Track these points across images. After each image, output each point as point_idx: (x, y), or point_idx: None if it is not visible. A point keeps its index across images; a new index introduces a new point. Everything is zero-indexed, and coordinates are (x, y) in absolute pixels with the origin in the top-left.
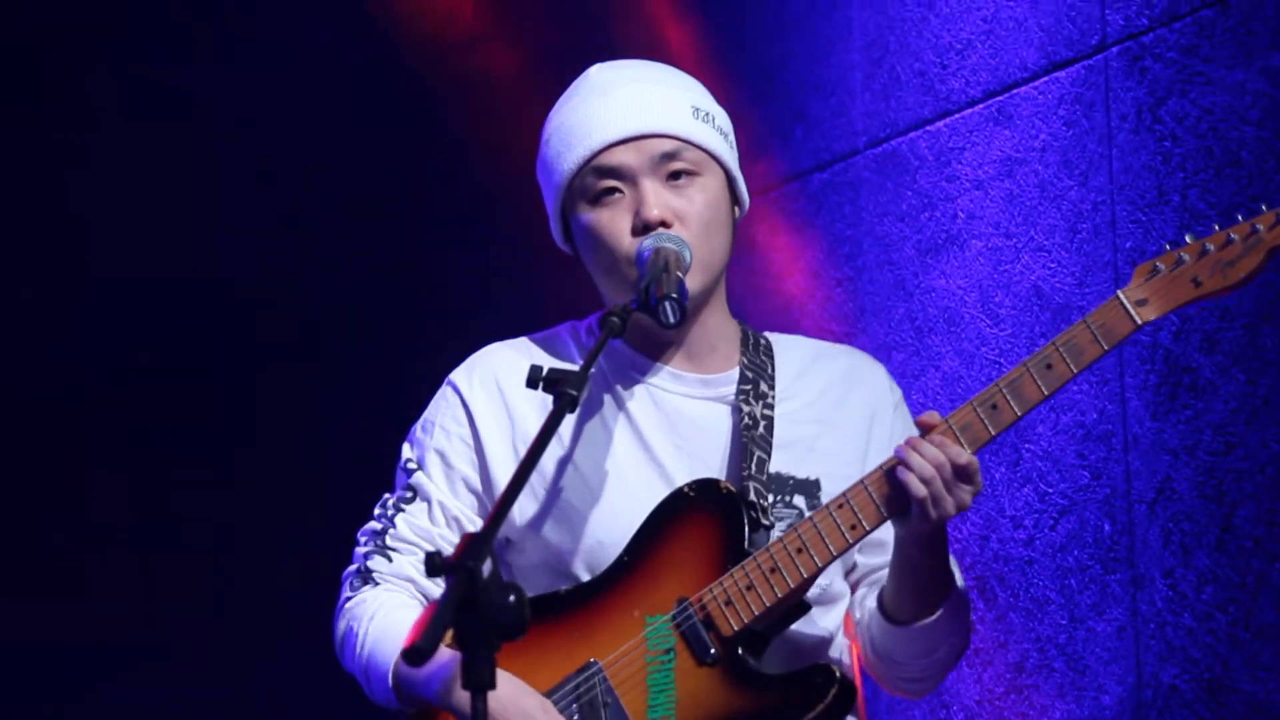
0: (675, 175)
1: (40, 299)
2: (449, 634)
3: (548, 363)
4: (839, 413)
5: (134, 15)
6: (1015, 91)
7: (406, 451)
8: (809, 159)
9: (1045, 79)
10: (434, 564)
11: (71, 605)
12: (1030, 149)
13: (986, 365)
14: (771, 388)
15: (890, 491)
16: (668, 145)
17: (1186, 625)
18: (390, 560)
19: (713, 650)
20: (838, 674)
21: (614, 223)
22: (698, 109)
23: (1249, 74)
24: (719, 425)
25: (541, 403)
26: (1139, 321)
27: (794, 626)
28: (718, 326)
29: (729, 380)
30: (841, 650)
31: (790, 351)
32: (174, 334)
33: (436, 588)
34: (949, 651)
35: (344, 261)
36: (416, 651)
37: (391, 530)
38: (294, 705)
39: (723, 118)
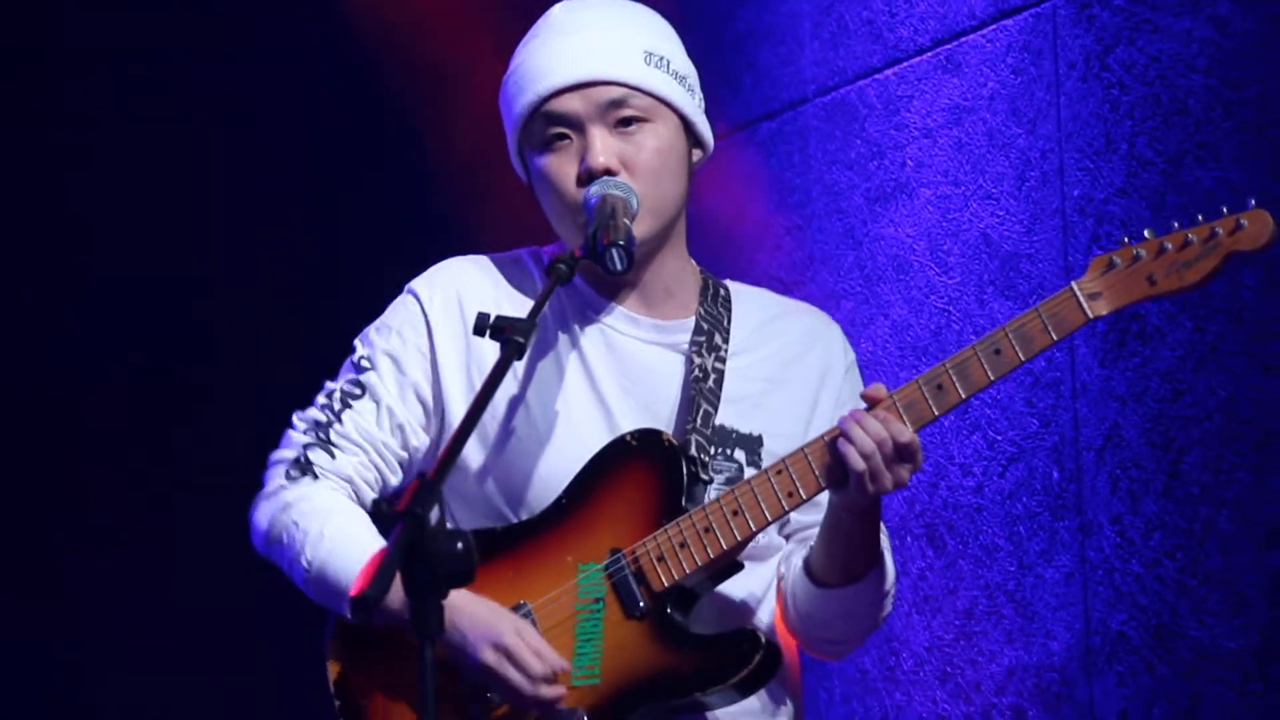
0: (624, 122)
1: (37, 299)
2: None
3: (505, 284)
4: (790, 371)
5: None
6: (963, 39)
7: (360, 348)
8: (758, 107)
9: (993, 27)
10: (381, 512)
11: (69, 605)
12: (978, 97)
13: (935, 313)
14: (725, 340)
15: (830, 462)
16: (615, 92)
17: (1134, 571)
18: (333, 457)
19: (642, 604)
20: (763, 639)
21: (561, 169)
22: (650, 53)
23: (1196, 22)
24: (669, 373)
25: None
26: (1090, 315)
27: (725, 585)
28: (675, 271)
29: (684, 329)
30: (772, 612)
31: (749, 304)
32: (171, 333)
33: (370, 492)
34: (870, 620)
35: (344, 259)
36: (364, 600)
37: (337, 425)
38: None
39: (680, 60)
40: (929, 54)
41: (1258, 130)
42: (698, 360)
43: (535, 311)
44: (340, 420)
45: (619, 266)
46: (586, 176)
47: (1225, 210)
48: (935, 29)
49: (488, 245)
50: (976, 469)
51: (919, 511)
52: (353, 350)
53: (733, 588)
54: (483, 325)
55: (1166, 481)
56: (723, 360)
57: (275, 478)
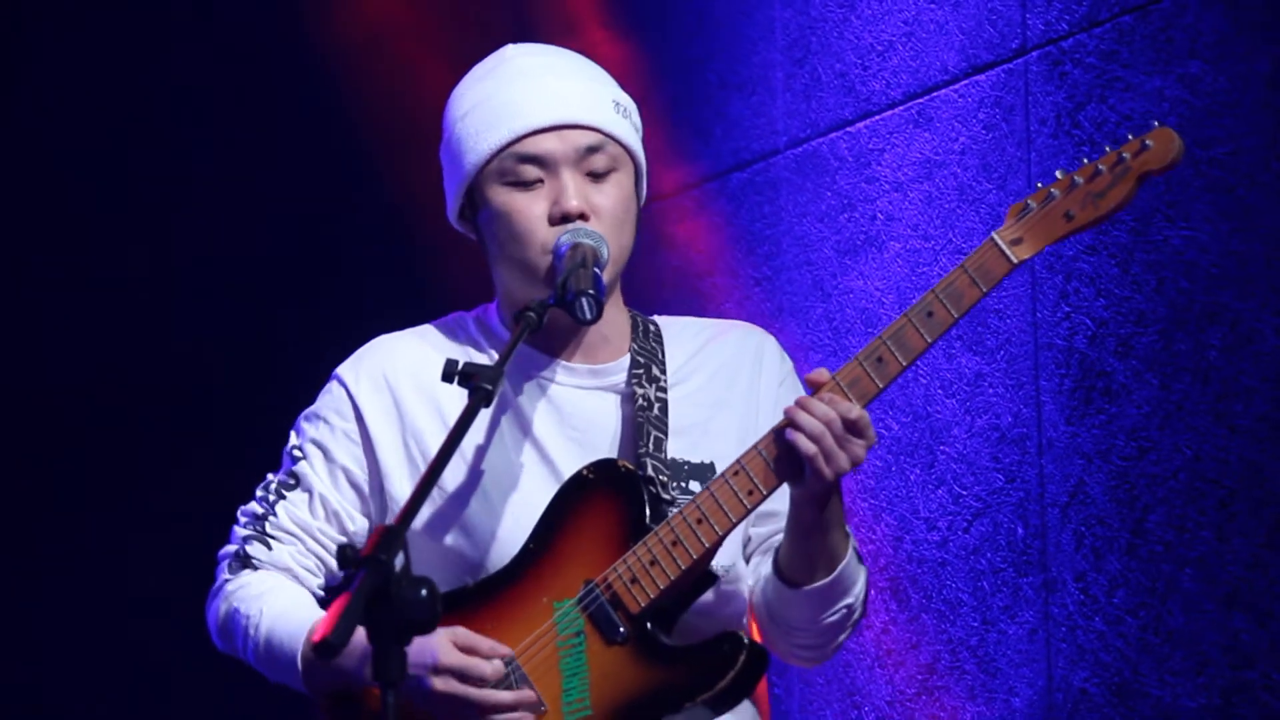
0: (594, 174)
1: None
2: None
3: (438, 354)
4: (730, 392)
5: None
6: (936, 94)
7: (293, 438)
8: (729, 158)
9: (965, 82)
10: (345, 556)
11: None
12: (950, 151)
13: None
14: (663, 372)
15: (782, 453)
16: (592, 138)
17: (1097, 629)
18: (269, 548)
19: (621, 629)
20: (745, 640)
21: (531, 209)
22: (618, 103)
23: (1167, 81)
24: (611, 413)
25: (430, 397)
26: (1015, 260)
27: (701, 604)
28: (613, 319)
29: (620, 369)
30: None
31: (679, 335)
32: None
33: (313, 578)
34: (843, 616)
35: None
36: (328, 646)
37: (272, 518)
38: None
39: (635, 112)
40: (901, 108)
41: (1227, 190)
42: (639, 391)
43: (504, 359)
44: (275, 512)
45: (589, 315)
46: (560, 218)
47: (1130, 136)
48: (908, 83)
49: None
50: (941, 524)
51: (883, 565)
52: (288, 440)
53: (709, 606)
54: (450, 372)
55: (1130, 539)
56: (664, 390)
57: (220, 574)
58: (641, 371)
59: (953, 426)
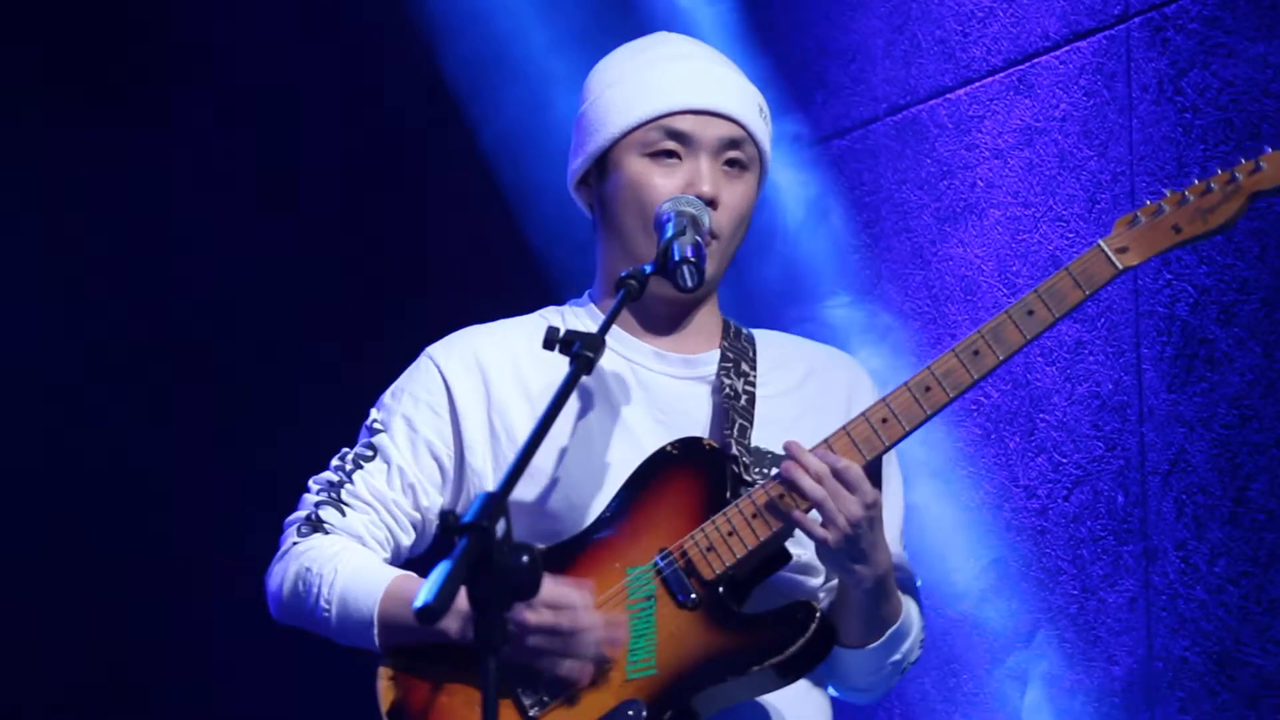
0: (731, 163)
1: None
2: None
3: (526, 339)
4: (819, 399)
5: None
6: (1036, 61)
7: (374, 414)
8: (829, 125)
9: (1066, 48)
10: (448, 523)
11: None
12: (1050, 119)
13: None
14: (753, 368)
15: (868, 435)
16: (736, 132)
17: (1198, 598)
18: (344, 515)
19: (693, 594)
20: (818, 609)
21: (665, 184)
22: (761, 108)
23: (1271, 47)
24: (701, 402)
25: (518, 377)
26: (1120, 267)
27: (779, 580)
28: (707, 316)
29: (710, 360)
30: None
31: (772, 343)
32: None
33: (381, 551)
34: (890, 671)
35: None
36: (430, 610)
37: (348, 485)
38: None
39: (770, 119)
40: (1001, 74)
41: None
42: (728, 382)
43: (605, 327)
44: (351, 480)
45: (690, 283)
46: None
47: (1243, 158)
48: (1008, 49)
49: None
50: (1041, 491)
51: (982, 533)
52: (368, 416)
53: (786, 583)
54: (552, 339)
55: (1232, 508)
56: (752, 384)
57: (288, 538)
58: (731, 365)
59: (1053, 394)
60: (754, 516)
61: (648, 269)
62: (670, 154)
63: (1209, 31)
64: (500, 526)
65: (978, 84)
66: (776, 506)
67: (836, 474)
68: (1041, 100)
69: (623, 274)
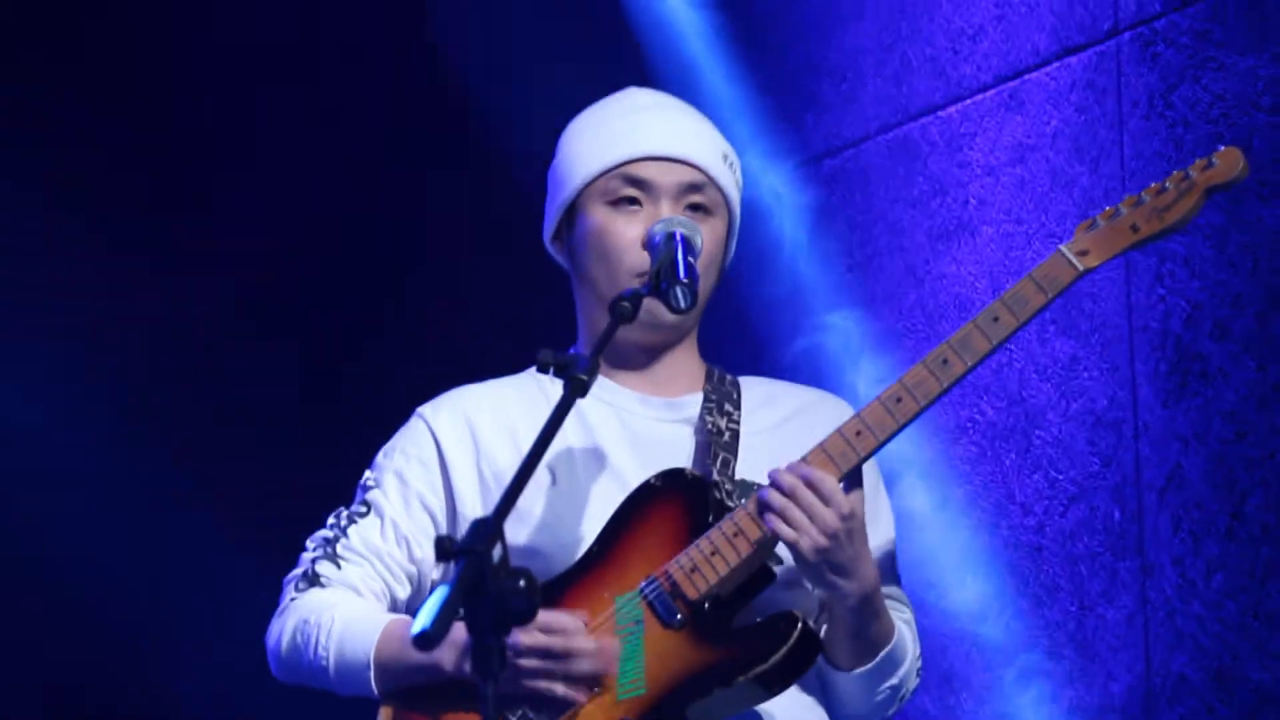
0: (694, 207)
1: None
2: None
3: (515, 394)
4: (805, 435)
5: None
6: (1027, 77)
7: (367, 473)
8: (820, 144)
9: (1057, 64)
10: (444, 548)
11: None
12: (1042, 135)
13: (997, 352)
14: (737, 409)
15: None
16: (697, 177)
17: (1196, 613)
18: (339, 568)
19: (679, 615)
20: (800, 618)
21: (626, 230)
22: (726, 156)
23: (1261, 60)
24: (685, 441)
25: (506, 428)
26: (1081, 268)
27: (768, 599)
28: (685, 361)
29: (694, 402)
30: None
31: (756, 385)
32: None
33: (379, 603)
34: (888, 696)
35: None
36: (426, 637)
37: (343, 540)
38: None
39: (739, 169)
40: (992, 91)
41: None
42: (710, 419)
43: (598, 351)
44: (346, 535)
45: (683, 304)
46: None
47: (1196, 157)
48: (998, 66)
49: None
50: (1038, 508)
51: (979, 550)
52: (363, 477)
53: (772, 601)
54: (546, 364)
55: (1229, 522)
56: (736, 422)
57: (286, 595)
58: (714, 405)
59: (1048, 411)
60: (735, 535)
61: (641, 290)
62: (632, 200)
63: (1199, 45)
64: (496, 551)
65: (969, 101)
66: (757, 523)
67: (810, 485)
68: (1033, 117)
69: (615, 297)
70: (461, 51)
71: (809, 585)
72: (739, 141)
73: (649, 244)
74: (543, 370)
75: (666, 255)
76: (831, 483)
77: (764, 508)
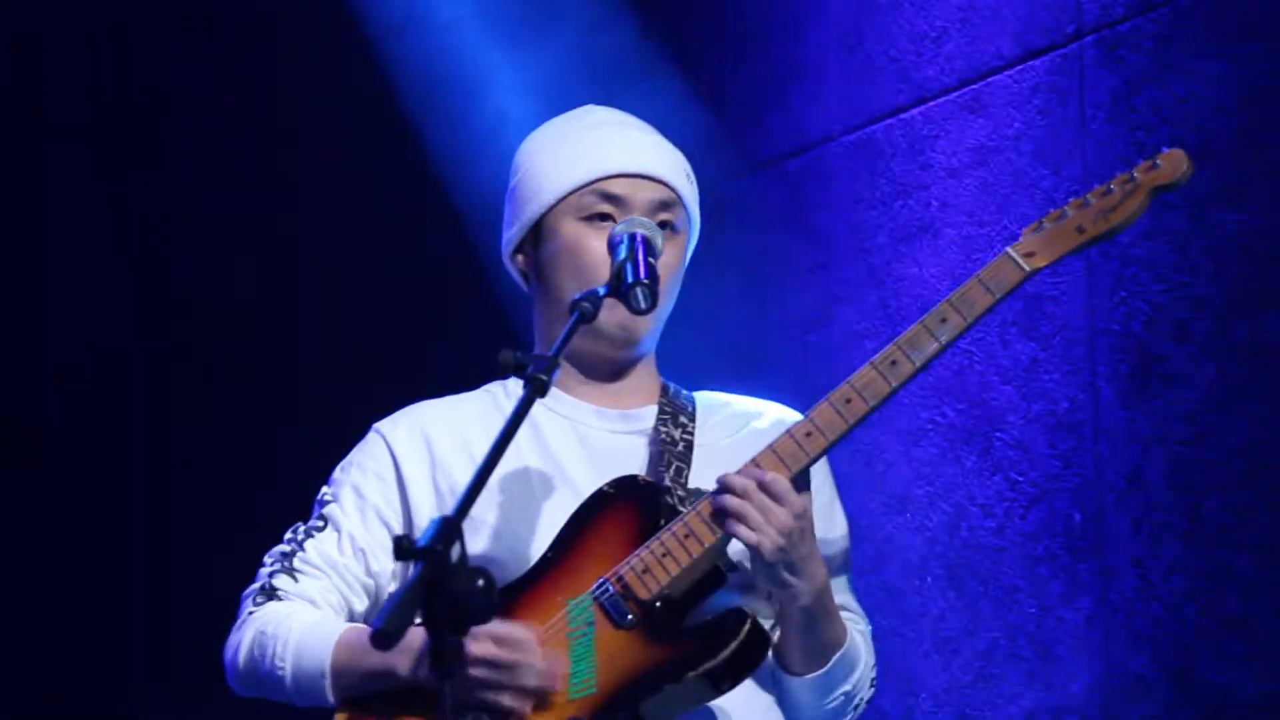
0: (664, 224)
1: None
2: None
3: (472, 410)
4: (757, 446)
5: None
6: (990, 80)
7: (324, 489)
8: (784, 145)
9: (1020, 67)
10: (402, 547)
11: None
12: (1004, 137)
13: (958, 354)
14: (691, 421)
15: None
16: (668, 195)
17: (1155, 615)
18: (296, 581)
19: (630, 616)
20: (750, 616)
21: (602, 245)
22: (689, 174)
23: (1224, 63)
24: (639, 452)
25: (462, 442)
26: (1027, 269)
27: (721, 601)
28: (642, 377)
29: (648, 415)
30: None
31: (712, 399)
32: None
33: (337, 615)
34: (842, 702)
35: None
36: (384, 635)
37: (300, 553)
38: None
39: (696, 187)
40: (955, 94)
41: None
42: (664, 430)
43: (559, 349)
44: (304, 548)
45: (644, 305)
46: None
47: (1140, 160)
48: (962, 69)
49: None
50: (998, 510)
51: (939, 553)
52: (319, 493)
53: (729, 602)
54: (507, 363)
55: (1188, 524)
56: (690, 434)
57: (244, 609)
58: (669, 417)
59: (1009, 413)
60: (686, 537)
61: (601, 291)
62: (605, 217)
63: (1162, 49)
64: (455, 550)
65: (932, 103)
66: (708, 524)
67: (762, 486)
68: (995, 119)
69: (576, 297)
70: (404, 64)
71: (762, 586)
72: (702, 142)
73: (610, 245)
74: (504, 370)
75: (627, 256)
76: (784, 483)
77: (719, 510)
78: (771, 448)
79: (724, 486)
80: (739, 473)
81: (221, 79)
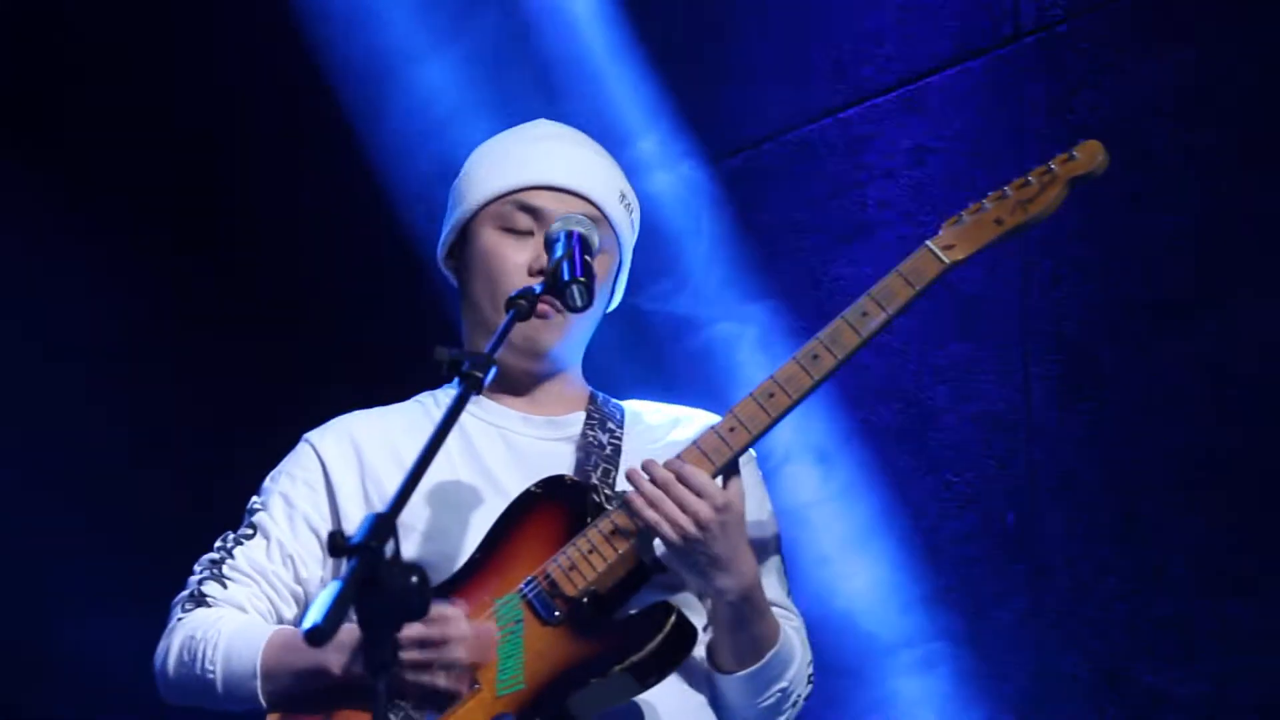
0: None
1: None
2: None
3: (401, 420)
4: (682, 437)
5: None
6: (928, 80)
7: (254, 498)
8: (722, 144)
9: (958, 68)
10: (336, 544)
11: None
12: (942, 137)
13: (892, 354)
14: (619, 426)
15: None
16: (590, 211)
17: (1088, 615)
18: (225, 588)
19: (557, 612)
20: (675, 609)
21: (515, 256)
22: (624, 195)
23: (1161, 65)
24: (566, 457)
25: (391, 450)
26: (947, 261)
27: (647, 598)
28: (568, 385)
29: (576, 421)
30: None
31: (640, 406)
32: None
33: (265, 622)
34: (778, 700)
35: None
36: (318, 631)
37: (229, 561)
38: None
39: (637, 211)
40: (893, 93)
41: (1217, 175)
42: (591, 434)
43: (495, 347)
44: (233, 555)
45: (579, 302)
46: (538, 272)
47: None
48: (900, 69)
49: None
50: (932, 511)
51: (875, 553)
52: (249, 502)
53: (653, 598)
54: (442, 360)
55: (1121, 526)
56: (617, 438)
57: (172, 616)
58: (596, 423)
59: (944, 414)
60: (612, 534)
61: (537, 289)
62: (525, 229)
63: (1100, 51)
64: (389, 547)
65: (869, 103)
66: (633, 520)
67: (682, 479)
68: (933, 119)
69: (512, 294)
70: (345, 56)
71: (689, 581)
72: (641, 142)
73: (547, 243)
74: (438, 366)
75: (564, 254)
76: (704, 476)
77: (635, 499)
78: (695, 443)
79: (644, 473)
80: (660, 464)
81: (131, 67)
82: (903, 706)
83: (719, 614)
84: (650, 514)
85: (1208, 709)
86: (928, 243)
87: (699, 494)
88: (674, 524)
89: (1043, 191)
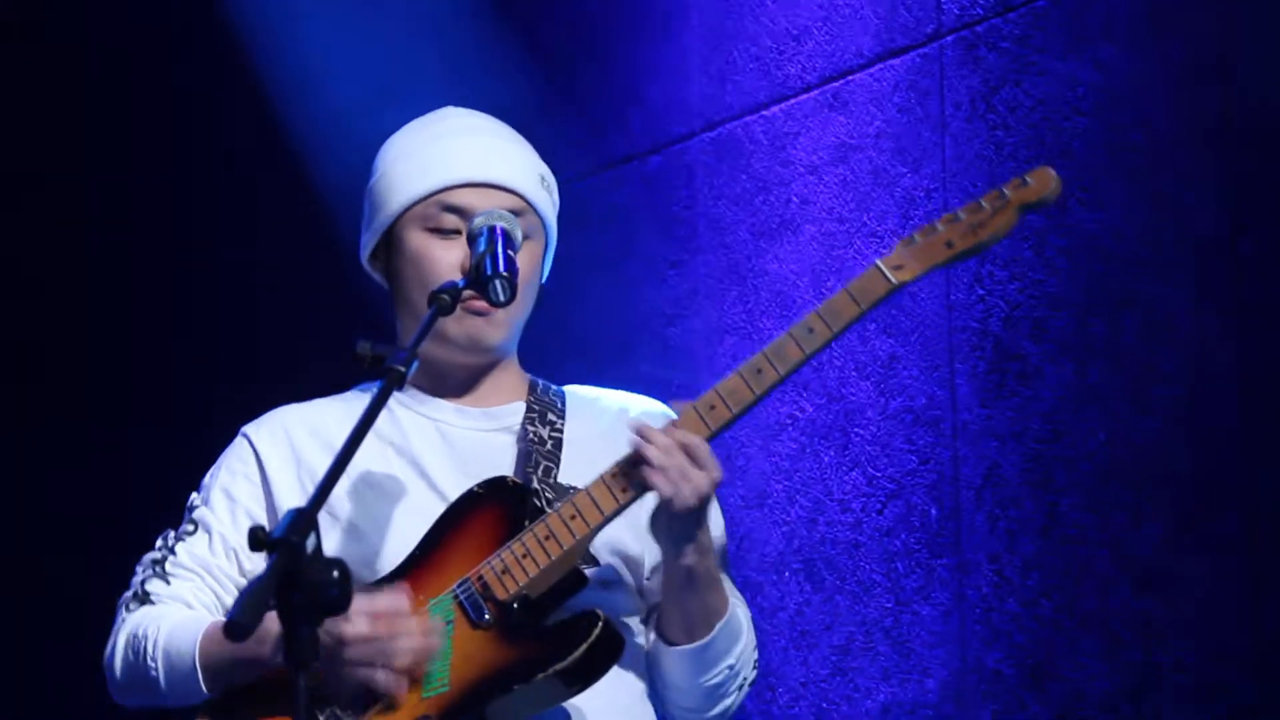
0: None
1: None
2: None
3: (336, 411)
4: (624, 430)
5: None
6: (851, 78)
7: (194, 494)
8: (645, 142)
9: (880, 66)
10: (257, 538)
11: None
12: (865, 135)
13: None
14: (560, 418)
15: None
16: (515, 203)
17: (1011, 611)
18: (169, 584)
19: (487, 615)
20: (602, 618)
21: (445, 257)
22: (543, 177)
23: (1081, 64)
24: (506, 451)
25: (325, 443)
26: (895, 282)
27: (581, 601)
28: (505, 376)
29: (514, 412)
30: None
31: (581, 393)
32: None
33: (211, 616)
34: (725, 678)
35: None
36: (238, 626)
37: (171, 558)
38: None
39: (556, 189)
40: (816, 91)
41: (1140, 174)
42: (532, 429)
43: (417, 341)
44: (175, 552)
45: (502, 297)
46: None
47: (1012, 178)
48: (823, 67)
49: None
50: (855, 505)
51: (797, 547)
52: (189, 499)
53: (592, 603)
54: (364, 355)
55: (1045, 522)
56: (559, 431)
57: (118, 616)
58: (536, 415)
59: (867, 409)
60: (547, 539)
61: (460, 284)
62: (451, 228)
63: (1020, 50)
64: (310, 542)
65: (793, 100)
66: (568, 527)
67: (685, 448)
68: (856, 117)
69: (434, 289)
70: (268, 49)
71: (659, 541)
72: (561, 140)
73: (470, 238)
74: (357, 362)
75: (487, 249)
76: (706, 448)
77: (639, 460)
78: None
79: (645, 438)
80: (661, 430)
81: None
82: (825, 701)
83: (673, 579)
84: (650, 472)
85: (1131, 705)
86: (878, 262)
87: (700, 465)
88: (673, 484)
89: (994, 216)
